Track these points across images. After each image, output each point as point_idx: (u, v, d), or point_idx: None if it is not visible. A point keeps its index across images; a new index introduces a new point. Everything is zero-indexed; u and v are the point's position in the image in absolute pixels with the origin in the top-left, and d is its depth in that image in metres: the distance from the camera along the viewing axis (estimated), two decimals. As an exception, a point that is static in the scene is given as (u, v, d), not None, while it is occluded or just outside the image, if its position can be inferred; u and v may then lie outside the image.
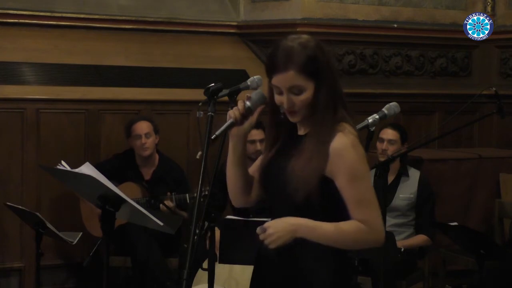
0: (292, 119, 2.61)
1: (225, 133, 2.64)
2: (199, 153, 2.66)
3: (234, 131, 2.65)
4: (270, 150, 2.70)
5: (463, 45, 6.91)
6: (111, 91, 5.87)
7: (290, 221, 2.56)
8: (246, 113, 2.64)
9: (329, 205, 2.58)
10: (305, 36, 2.63)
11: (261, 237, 2.57)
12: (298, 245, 2.57)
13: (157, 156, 5.53)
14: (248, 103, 2.64)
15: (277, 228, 2.54)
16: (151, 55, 6.15)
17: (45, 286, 5.55)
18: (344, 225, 2.56)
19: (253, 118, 2.66)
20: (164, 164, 5.52)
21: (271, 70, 2.59)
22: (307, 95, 2.55)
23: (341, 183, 2.54)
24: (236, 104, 3.02)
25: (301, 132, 2.67)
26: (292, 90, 2.55)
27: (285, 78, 2.55)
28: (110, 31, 6.10)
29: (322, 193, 2.54)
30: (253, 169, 2.77)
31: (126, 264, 5.27)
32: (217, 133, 2.63)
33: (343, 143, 2.54)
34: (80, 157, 5.51)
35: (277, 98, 2.59)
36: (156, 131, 5.47)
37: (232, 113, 2.64)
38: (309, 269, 2.60)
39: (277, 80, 2.57)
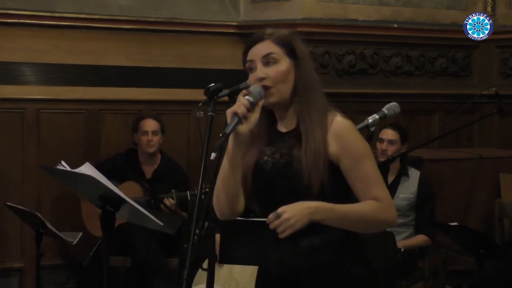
0: (268, 98, 2.52)
1: (234, 130, 2.49)
2: (213, 154, 2.48)
3: (239, 129, 2.51)
4: (249, 151, 2.58)
5: (463, 45, 6.90)
6: (111, 91, 5.87)
7: (306, 204, 2.45)
8: (250, 109, 2.51)
9: (342, 194, 2.52)
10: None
11: (274, 224, 2.43)
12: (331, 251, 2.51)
13: (159, 156, 5.55)
14: (249, 98, 2.52)
15: (294, 212, 2.42)
16: (151, 55, 6.15)
17: (45, 286, 5.55)
18: (361, 205, 2.50)
19: (256, 115, 2.52)
20: (165, 164, 5.54)
21: (246, 48, 2.56)
22: (282, 67, 2.52)
23: (347, 164, 2.50)
24: (235, 103, 3.02)
25: (283, 129, 2.60)
26: (267, 59, 2.52)
27: (260, 47, 2.53)
28: (110, 31, 6.10)
29: (334, 181, 2.49)
30: None
31: (126, 264, 5.27)
32: (226, 130, 2.46)
33: (345, 125, 2.52)
34: (80, 157, 5.51)
35: (251, 76, 2.54)
36: (162, 130, 5.50)
37: (239, 109, 2.48)
38: (348, 273, 2.53)
39: (252, 52, 2.55)
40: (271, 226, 2.44)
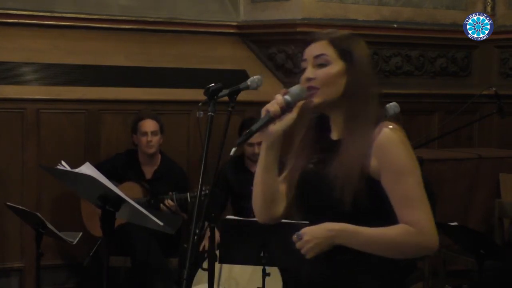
0: (314, 99, 2.39)
1: (262, 128, 2.36)
2: (233, 149, 2.38)
3: (270, 128, 2.38)
4: (299, 156, 2.48)
5: (463, 45, 6.91)
6: (111, 91, 5.87)
7: (328, 227, 2.34)
8: (286, 108, 2.37)
9: (379, 211, 2.36)
10: (356, 35, 2.54)
11: (298, 245, 2.36)
12: (352, 264, 2.38)
13: (159, 156, 5.55)
14: (287, 97, 2.38)
15: (314, 235, 2.34)
16: (151, 55, 6.15)
17: (45, 286, 5.55)
18: (389, 229, 2.33)
19: (292, 115, 2.38)
20: (166, 164, 5.54)
21: (304, 47, 2.46)
22: (332, 69, 2.39)
23: (386, 180, 2.33)
24: (235, 103, 3.02)
25: (335, 136, 2.46)
26: (318, 61, 2.41)
27: (315, 46, 2.43)
28: (110, 31, 6.10)
29: (370, 197, 2.33)
30: (281, 180, 2.51)
31: (126, 264, 5.27)
32: (253, 128, 2.34)
33: (389, 138, 2.35)
34: (80, 157, 5.51)
35: (302, 76, 2.42)
36: (162, 130, 5.50)
37: (271, 107, 2.36)
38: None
39: (307, 51, 2.44)
40: (297, 246, 2.37)
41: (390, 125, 2.39)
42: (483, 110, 6.51)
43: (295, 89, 2.40)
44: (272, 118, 2.36)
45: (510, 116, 5.85)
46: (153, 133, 5.45)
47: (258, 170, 2.46)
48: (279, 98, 2.38)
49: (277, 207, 2.49)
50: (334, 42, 2.43)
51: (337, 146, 2.41)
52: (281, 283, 4.77)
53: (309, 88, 2.40)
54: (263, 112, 2.37)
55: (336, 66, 2.41)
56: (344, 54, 2.42)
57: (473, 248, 4.49)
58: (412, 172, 2.37)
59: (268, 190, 2.46)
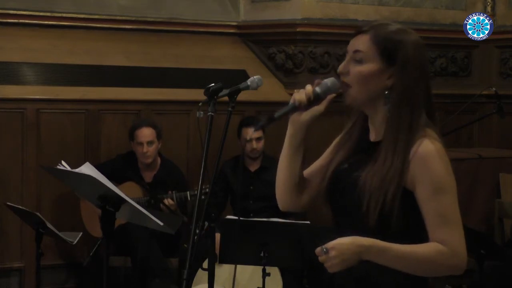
0: (345, 97, 2.30)
1: (285, 116, 2.32)
2: (253, 131, 2.30)
3: (295, 117, 2.33)
4: (339, 151, 2.40)
5: (463, 45, 6.91)
6: (111, 91, 5.87)
7: (356, 242, 2.21)
8: (314, 99, 2.31)
9: (409, 224, 2.25)
10: (412, 31, 2.44)
11: (321, 259, 2.21)
12: (375, 275, 2.27)
13: (159, 160, 5.53)
14: (317, 89, 2.31)
15: (341, 251, 2.19)
16: (151, 55, 6.15)
17: (45, 286, 5.55)
18: (420, 248, 2.23)
19: (319, 108, 2.31)
20: (165, 168, 5.52)
21: (353, 35, 2.35)
22: (365, 68, 2.27)
23: (422, 195, 2.23)
24: (235, 103, 3.02)
25: (372, 137, 2.35)
26: (355, 57, 2.29)
27: (357, 39, 2.32)
28: (110, 31, 6.10)
29: (401, 210, 2.22)
30: (312, 170, 2.45)
31: (126, 264, 5.27)
32: (276, 114, 2.29)
33: (428, 149, 2.26)
34: (80, 157, 5.51)
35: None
36: (159, 136, 5.46)
37: (298, 96, 2.30)
38: None
39: (350, 42, 2.34)
40: (320, 259, 2.23)
41: (429, 133, 2.30)
42: (483, 110, 6.51)
43: (327, 81, 2.33)
44: (296, 108, 2.31)
45: (510, 116, 5.85)
46: (149, 143, 5.40)
47: (281, 156, 2.41)
48: (308, 88, 2.31)
49: (299, 195, 2.44)
50: (377, 39, 2.30)
51: (372, 150, 2.30)
52: (281, 283, 4.77)
53: (342, 84, 2.31)
54: (292, 100, 2.32)
55: (371, 65, 2.29)
56: (386, 53, 2.30)
57: (473, 248, 4.48)
58: (450, 189, 2.26)
59: (290, 176, 2.40)
